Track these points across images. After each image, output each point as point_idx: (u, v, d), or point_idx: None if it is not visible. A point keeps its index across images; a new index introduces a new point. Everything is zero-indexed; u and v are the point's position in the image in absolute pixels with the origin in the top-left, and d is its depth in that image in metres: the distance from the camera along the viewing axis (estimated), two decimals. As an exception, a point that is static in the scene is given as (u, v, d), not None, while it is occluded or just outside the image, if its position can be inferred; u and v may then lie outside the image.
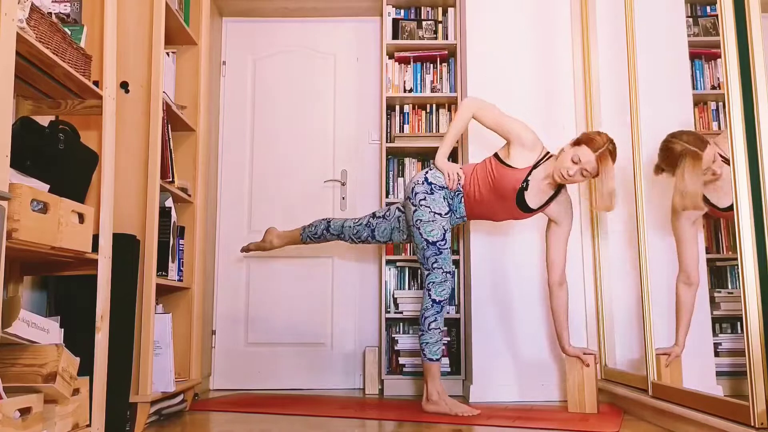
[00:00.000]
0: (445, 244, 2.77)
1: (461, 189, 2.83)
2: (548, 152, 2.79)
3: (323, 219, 3.16)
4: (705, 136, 2.82)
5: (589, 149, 2.63)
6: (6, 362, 1.70)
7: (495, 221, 2.97)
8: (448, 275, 2.77)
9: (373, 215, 3.07)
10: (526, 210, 2.81)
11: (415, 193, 2.81)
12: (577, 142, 2.69)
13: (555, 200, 2.82)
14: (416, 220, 2.79)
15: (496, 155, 2.80)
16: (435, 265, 2.77)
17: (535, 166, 2.74)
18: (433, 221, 2.77)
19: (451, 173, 2.79)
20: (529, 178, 2.73)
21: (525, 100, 3.37)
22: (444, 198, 2.81)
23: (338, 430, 2.37)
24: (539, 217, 3.32)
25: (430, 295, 2.76)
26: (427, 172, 2.85)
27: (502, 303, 3.22)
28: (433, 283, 2.76)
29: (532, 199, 2.78)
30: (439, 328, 2.77)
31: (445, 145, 2.82)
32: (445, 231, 2.78)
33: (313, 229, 3.15)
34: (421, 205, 2.78)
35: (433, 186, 2.80)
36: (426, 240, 2.76)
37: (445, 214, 2.80)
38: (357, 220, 3.08)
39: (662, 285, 3.06)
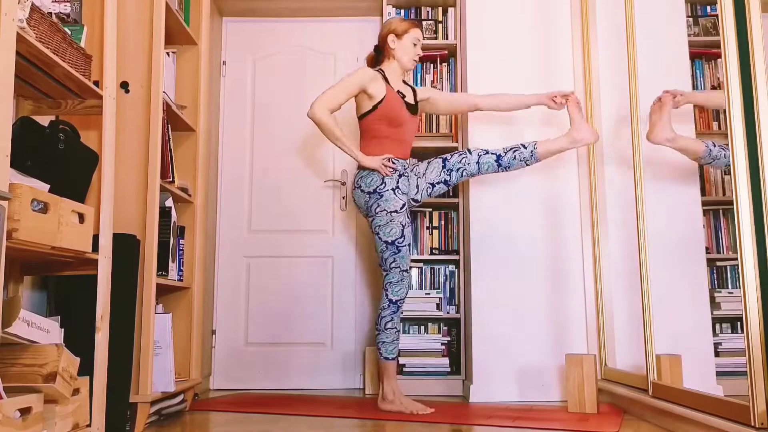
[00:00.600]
0: (403, 242, 2.81)
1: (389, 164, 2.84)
2: (378, 67, 2.96)
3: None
4: None
5: (416, 29, 2.94)
6: (6, 362, 1.70)
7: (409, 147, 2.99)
8: (404, 274, 2.83)
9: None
10: (414, 112, 2.98)
11: (369, 207, 2.82)
12: (399, 32, 2.92)
13: (414, 89, 3.05)
14: (375, 227, 2.82)
15: (363, 115, 2.88)
16: (393, 265, 2.82)
17: (387, 81, 2.89)
18: (390, 221, 2.80)
19: (382, 164, 2.79)
20: (395, 89, 2.91)
21: (525, 100, 3.37)
22: (394, 191, 2.81)
23: (338, 430, 2.37)
24: (536, 221, 3.33)
25: (387, 295, 2.83)
26: (360, 188, 2.83)
27: (502, 302, 3.22)
28: (390, 283, 2.83)
29: (409, 99, 2.98)
30: (396, 328, 2.83)
31: (351, 150, 2.80)
32: (404, 226, 2.82)
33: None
34: (377, 213, 2.81)
35: (377, 190, 2.80)
36: (385, 242, 2.80)
37: (401, 208, 2.81)
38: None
39: (662, 284, 3.07)
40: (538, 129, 3.34)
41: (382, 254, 2.83)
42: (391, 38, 2.94)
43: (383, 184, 2.80)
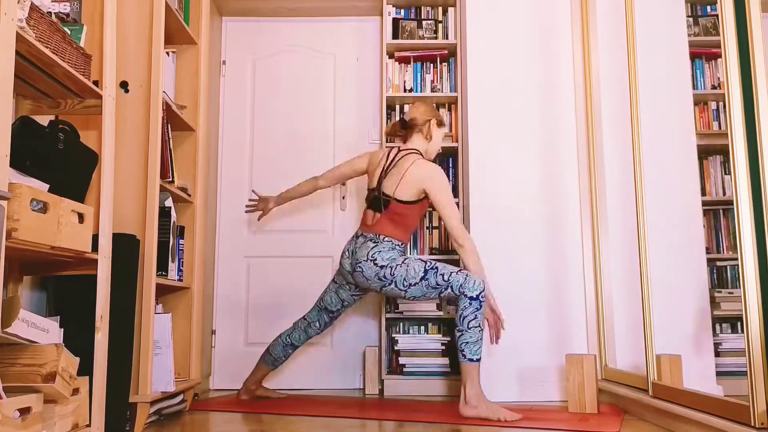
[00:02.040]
0: (431, 264, 2.78)
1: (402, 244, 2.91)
2: (409, 145, 3.01)
3: (277, 338, 3.14)
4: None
5: (443, 125, 3.09)
6: (6, 362, 1.70)
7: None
8: (461, 271, 2.75)
9: (321, 299, 3.09)
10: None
11: (383, 277, 2.80)
12: (439, 121, 3.04)
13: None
14: (403, 282, 2.77)
15: (418, 200, 2.90)
16: (448, 276, 2.73)
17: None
18: (407, 266, 2.78)
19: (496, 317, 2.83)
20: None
21: (525, 100, 3.37)
22: (393, 249, 2.85)
23: (338, 430, 2.37)
24: (536, 221, 3.33)
25: (465, 294, 2.68)
26: (374, 261, 2.81)
27: (503, 303, 3.21)
28: (461, 284, 2.71)
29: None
30: (480, 327, 2.67)
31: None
32: (418, 258, 2.82)
33: (272, 353, 3.14)
34: (395, 275, 2.78)
35: (382, 260, 2.81)
36: (422, 277, 2.75)
37: (401, 252, 2.89)
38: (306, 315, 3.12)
39: (662, 284, 3.06)
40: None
41: (429, 289, 2.77)
42: (434, 123, 3.02)
43: (389, 256, 2.83)
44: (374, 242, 2.85)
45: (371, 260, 2.81)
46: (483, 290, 2.70)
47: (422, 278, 2.75)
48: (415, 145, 3.00)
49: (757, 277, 1.86)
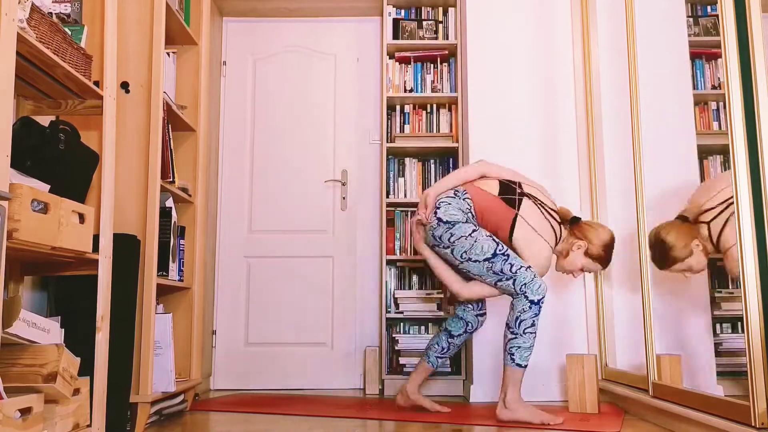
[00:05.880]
0: (503, 248, 2.58)
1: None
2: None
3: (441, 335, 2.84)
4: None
5: (598, 265, 2.73)
6: (6, 362, 1.70)
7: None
8: (531, 269, 2.58)
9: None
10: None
11: (439, 237, 2.61)
12: (585, 252, 2.72)
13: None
14: (461, 254, 2.59)
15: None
16: (515, 268, 2.56)
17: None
18: (475, 241, 2.57)
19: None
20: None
21: (525, 100, 3.37)
22: (467, 222, 2.63)
23: (338, 430, 2.38)
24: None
25: (527, 296, 2.54)
26: (436, 213, 2.63)
27: (503, 303, 3.22)
28: (526, 283, 2.54)
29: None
30: (535, 333, 2.55)
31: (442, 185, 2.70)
32: (490, 236, 2.60)
33: (437, 347, 2.82)
34: (455, 244, 2.59)
35: (449, 223, 2.60)
36: (486, 258, 2.56)
37: (474, 229, 2.61)
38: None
39: (663, 284, 3.06)
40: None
41: (492, 272, 2.57)
42: (580, 246, 2.75)
43: (457, 219, 2.62)
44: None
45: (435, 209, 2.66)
46: (544, 296, 2.57)
47: (487, 259, 2.57)
48: (563, 238, 2.77)
49: (757, 277, 1.87)
